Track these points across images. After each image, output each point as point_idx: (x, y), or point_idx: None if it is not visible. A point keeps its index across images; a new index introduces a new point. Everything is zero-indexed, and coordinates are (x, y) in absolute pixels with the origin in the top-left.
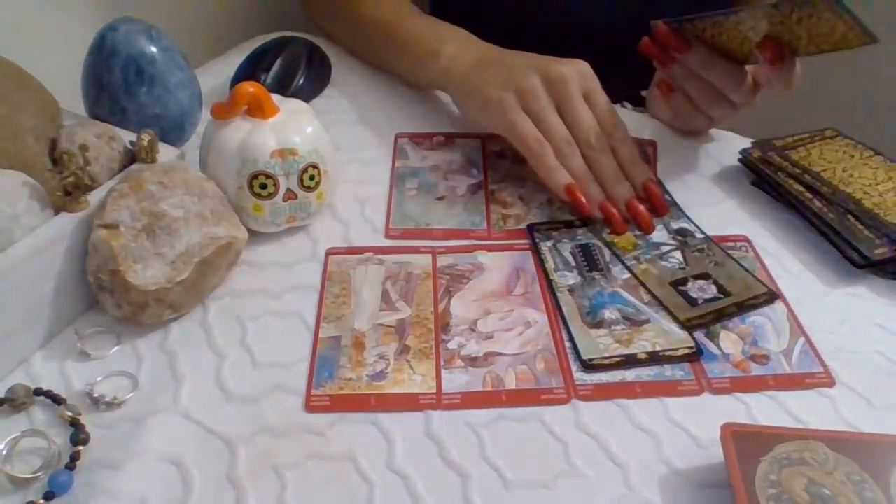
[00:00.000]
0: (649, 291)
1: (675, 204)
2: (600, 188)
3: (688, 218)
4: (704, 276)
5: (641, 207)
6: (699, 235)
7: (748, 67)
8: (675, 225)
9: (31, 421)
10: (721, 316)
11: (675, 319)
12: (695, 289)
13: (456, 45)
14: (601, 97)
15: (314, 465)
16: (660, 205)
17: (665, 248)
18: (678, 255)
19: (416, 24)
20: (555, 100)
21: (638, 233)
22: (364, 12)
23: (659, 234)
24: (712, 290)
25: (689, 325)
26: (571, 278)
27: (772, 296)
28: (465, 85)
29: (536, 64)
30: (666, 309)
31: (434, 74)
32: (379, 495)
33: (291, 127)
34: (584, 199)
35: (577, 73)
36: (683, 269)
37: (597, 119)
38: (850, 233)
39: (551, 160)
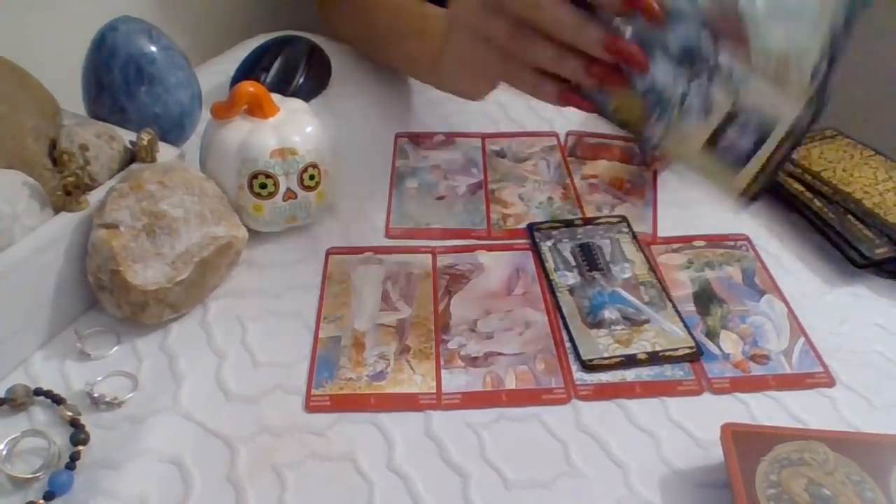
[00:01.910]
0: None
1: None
2: (574, 57)
3: (682, 28)
4: (731, 116)
5: (621, 41)
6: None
7: None
8: (674, 45)
9: (31, 421)
10: (780, 165)
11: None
12: (732, 137)
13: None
14: None
15: (314, 465)
16: (635, 59)
17: (678, 90)
18: (696, 96)
19: (422, 9)
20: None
21: (640, 95)
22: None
23: (663, 69)
24: (751, 133)
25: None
26: (571, 278)
27: (816, 108)
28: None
29: None
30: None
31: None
32: (379, 495)
33: (291, 126)
34: (583, 102)
35: None
36: (707, 113)
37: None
38: (850, 232)
39: (527, 80)
